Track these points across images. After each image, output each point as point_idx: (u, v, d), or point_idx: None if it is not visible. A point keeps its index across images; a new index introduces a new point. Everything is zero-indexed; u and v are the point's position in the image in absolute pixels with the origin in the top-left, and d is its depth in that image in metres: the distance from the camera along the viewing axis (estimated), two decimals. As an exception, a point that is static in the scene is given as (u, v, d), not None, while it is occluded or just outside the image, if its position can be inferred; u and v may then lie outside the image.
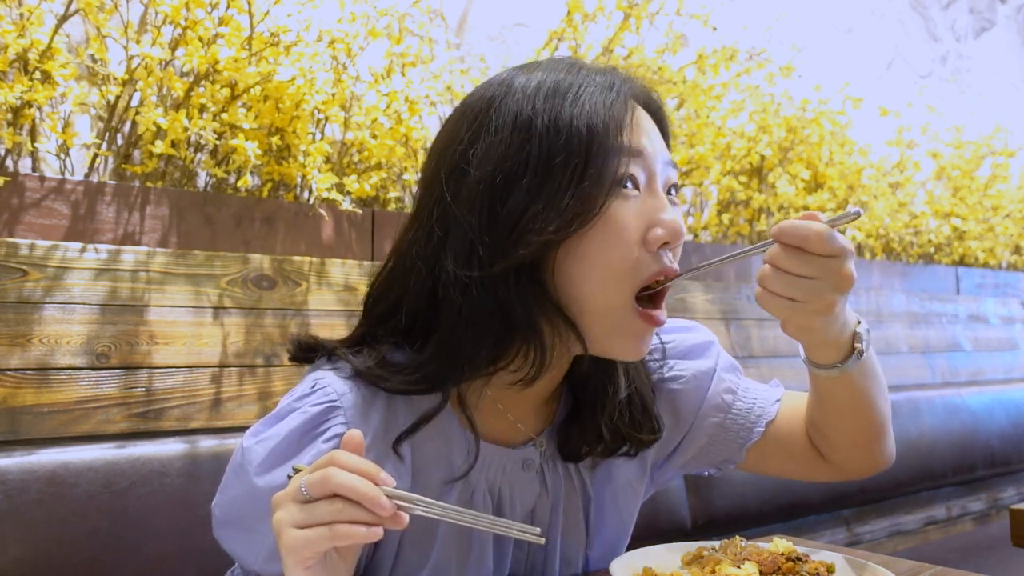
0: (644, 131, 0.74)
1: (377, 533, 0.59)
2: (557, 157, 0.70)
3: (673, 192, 0.76)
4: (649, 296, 0.74)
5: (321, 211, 1.48)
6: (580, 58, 0.80)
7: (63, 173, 1.36)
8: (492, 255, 0.70)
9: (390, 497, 0.60)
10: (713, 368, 0.94)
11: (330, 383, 0.75)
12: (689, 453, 0.95)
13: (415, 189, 1.66)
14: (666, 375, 0.92)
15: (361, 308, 0.82)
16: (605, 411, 0.82)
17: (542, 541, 0.64)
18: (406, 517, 0.60)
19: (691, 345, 0.94)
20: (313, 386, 0.75)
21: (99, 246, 1.23)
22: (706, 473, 1.00)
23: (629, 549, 0.90)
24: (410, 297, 0.75)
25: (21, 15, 1.24)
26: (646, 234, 0.72)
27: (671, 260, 0.74)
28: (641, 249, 0.72)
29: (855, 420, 0.87)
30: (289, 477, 0.66)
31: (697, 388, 0.93)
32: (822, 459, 0.93)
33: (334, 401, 0.73)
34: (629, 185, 0.72)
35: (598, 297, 0.72)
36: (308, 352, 0.81)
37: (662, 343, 0.93)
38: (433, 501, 0.62)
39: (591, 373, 0.83)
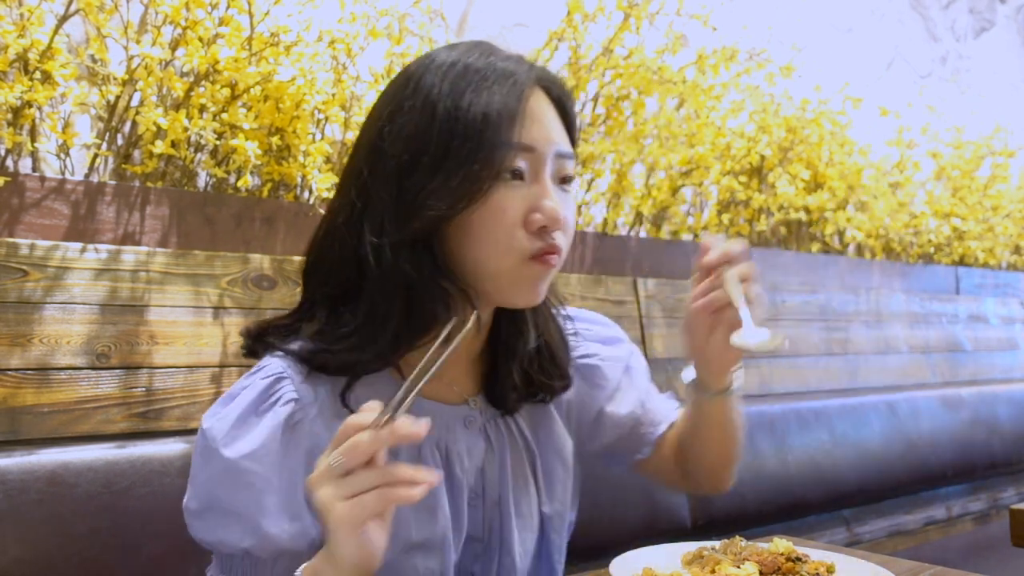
0: (538, 123, 0.79)
1: (419, 490, 0.64)
2: (454, 141, 0.76)
3: (567, 183, 0.83)
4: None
5: (321, 211, 1.48)
6: (493, 44, 0.84)
7: (63, 173, 1.36)
8: (397, 227, 0.78)
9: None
10: (627, 357, 1.04)
11: (274, 361, 0.81)
12: (613, 434, 1.02)
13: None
14: (579, 354, 0.99)
15: None
16: (516, 358, 0.89)
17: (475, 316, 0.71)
18: (412, 426, 0.65)
19: (605, 336, 1.04)
20: (259, 367, 0.81)
21: (99, 246, 1.23)
22: (622, 469, 1.07)
23: (628, 549, 0.90)
24: (338, 264, 0.81)
25: (21, 15, 1.24)
26: (527, 217, 0.79)
27: (554, 239, 0.80)
28: (522, 230, 0.79)
29: (722, 444, 0.98)
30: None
31: (612, 368, 1.01)
32: (684, 473, 1.04)
33: (280, 373, 0.79)
34: (514, 175, 0.78)
35: (487, 264, 0.80)
36: (258, 339, 0.85)
37: (576, 331, 1.00)
38: (397, 403, 0.66)
39: (504, 326, 0.89)
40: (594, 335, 1.02)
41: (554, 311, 0.95)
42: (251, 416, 0.77)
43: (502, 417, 0.91)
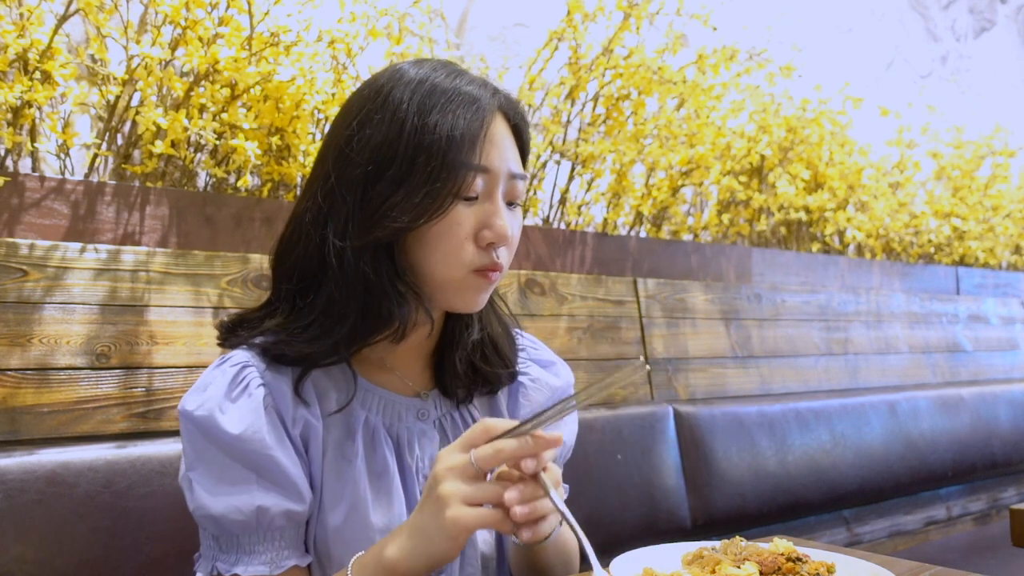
0: (496, 146, 0.85)
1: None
2: (419, 158, 0.81)
3: (516, 203, 0.88)
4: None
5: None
6: (458, 65, 0.91)
7: (63, 173, 1.36)
8: (360, 233, 0.83)
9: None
10: (566, 386, 1.06)
11: (238, 352, 0.86)
12: None
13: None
14: (520, 369, 1.03)
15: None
16: (459, 348, 0.93)
17: (647, 368, 0.72)
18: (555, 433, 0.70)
19: (546, 360, 1.07)
20: (224, 358, 0.86)
21: (99, 246, 1.23)
22: None
23: (628, 549, 0.90)
24: (302, 261, 0.86)
25: (21, 15, 1.24)
26: (477, 233, 0.84)
27: (498, 257, 0.86)
28: (472, 245, 0.84)
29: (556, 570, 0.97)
30: None
31: (538, 392, 1.03)
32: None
33: (245, 362, 0.85)
34: (472, 195, 0.84)
35: (436, 273, 0.85)
36: (231, 331, 0.89)
37: (523, 347, 1.04)
38: (535, 418, 0.70)
39: (450, 321, 0.95)
40: (535, 354, 1.06)
41: (498, 310, 1.00)
42: (226, 402, 0.82)
43: (458, 410, 0.96)
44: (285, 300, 0.88)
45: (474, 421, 0.96)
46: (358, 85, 0.89)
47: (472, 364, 0.95)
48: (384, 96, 0.84)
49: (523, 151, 0.91)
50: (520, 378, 1.03)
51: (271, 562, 0.81)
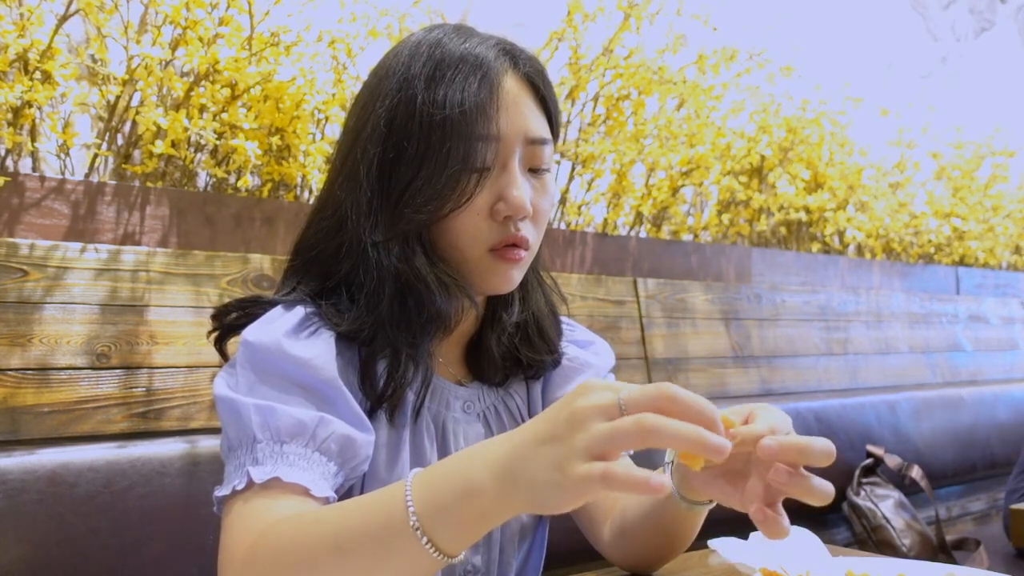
0: (509, 111, 0.79)
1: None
2: (433, 137, 0.77)
3: (541, 169, 0.82)
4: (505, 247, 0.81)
5: (321, 211, 1.48)
6: (472, 27, 0.86)
7: (63, 173, 1.36)
8: (386, 225, 0.78)
9: None
10: (606, 364, 1.00)
11: (296, 306, 0.79)
12: None
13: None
14: (562, 351, 0.96)
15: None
16: (497, 329, 0.88)
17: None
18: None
19: (584, 340, 1.01)
20: (288, 307, 0.79)
21: (99, 246, 1.23)
22: None
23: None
24: (334, 253, 0.81)
25: (21, 15, 1.24)
26: (492, 207, 0.79)
27: (518, 229, 0.80)
28: (489, 220, 0.79)
29: (676, 545, 0.88)
30: None
31: (590, 367, 0.98)
32: (613, 544, 0.93)
33: (312, 312, 0.78)
34: (485, 166, 0.78)
35: (454, 254, 0.80)
36: (241, 310, 0.82)
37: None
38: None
39: (491, 301, 0.89)
40: (571, 336, 1.00)
41: (546, 288, 0.94)
42: (293, 337, 0.75)
43: (503, 402, 0.90)
44: (302, 293, 0.82)
45: (518, 411, 0.91)
46: (358, 85, 0.88)
47: (513, 347, 0.89)
48: (400, 70, 0.80)
49: (547, 111, 0.84)
50: (567, 360, 0.96)
51: (312, 483, 0.70)
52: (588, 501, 0.53)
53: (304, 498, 0.69)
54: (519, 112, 0.80)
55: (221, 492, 0.72)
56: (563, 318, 0.99)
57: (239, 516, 0.69)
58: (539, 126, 0.82)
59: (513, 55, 0.82)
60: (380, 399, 0.79)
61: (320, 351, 0.75)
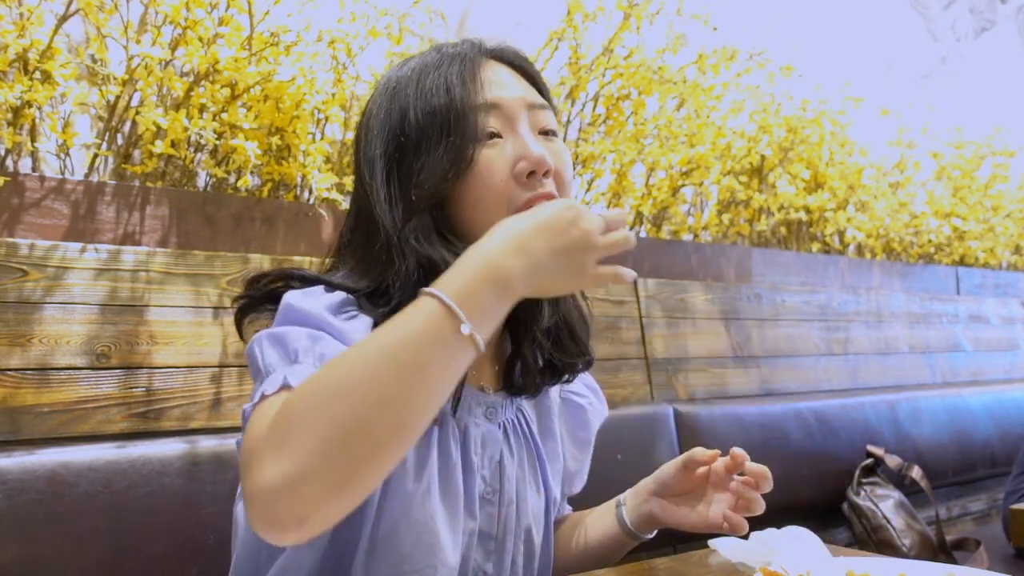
0: (498, 84, 0.84)
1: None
2: (426, 122, 0.82)
3: (551, 132, 0.86)
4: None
5: (321, 211, 1.48)
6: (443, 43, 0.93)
7: (63, 173, 1.36)
8: (403, 211, 0.82)
9: None
10: (599, 413, 1.07)
11: (331, 289, 0.81)
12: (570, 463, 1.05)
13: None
14: (571, 392, 1.03)
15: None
16: (528, 335, 0.89)
17: None
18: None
19: (593, 384, 1.08)
20: (330, 289, 0.81)
21: (99, 246, 1.23)
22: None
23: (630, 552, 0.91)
24: (365, 261, 0.84)
25: (21, 15, 1.24)
26: (514, 169, 0.82)
27: (545, 186, 0.82)
28: (511, 183, 0.81)
29: (601, 562, 1.02)
30: None
31: (597, 414, 1.06)
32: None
33: (348, 297, 0.80)
34: (491, 136, 0.82)
35: (482, 230, 0.77)
36: (281, 280, 0.83)
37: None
38: None
39: (519, 307, 0.87)
40: (583, 378, 1.04)
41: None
42: (331, 315, 0.76)
43: (517, 418, 0.92)
44: (349, 282, 0.84)
45: (529, 429, 0.94)
46: (358, 85, 0.91)
47: (548, 355, 0.91)
48: (390, 87, 0.87)
49: (536, 86, 0.89)
50: (579, 399, 1.03)
51: None
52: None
53: None
54: (509, 83, 0.85)
55: (247, 405, 0.69)
56: None
57: (262, 409, 0.66)
58: (533, 94, 0.87)
59: (490, 46, 0.88)
60: None
61: (359, 328, 0.76)
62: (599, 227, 0.71)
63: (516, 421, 0.92)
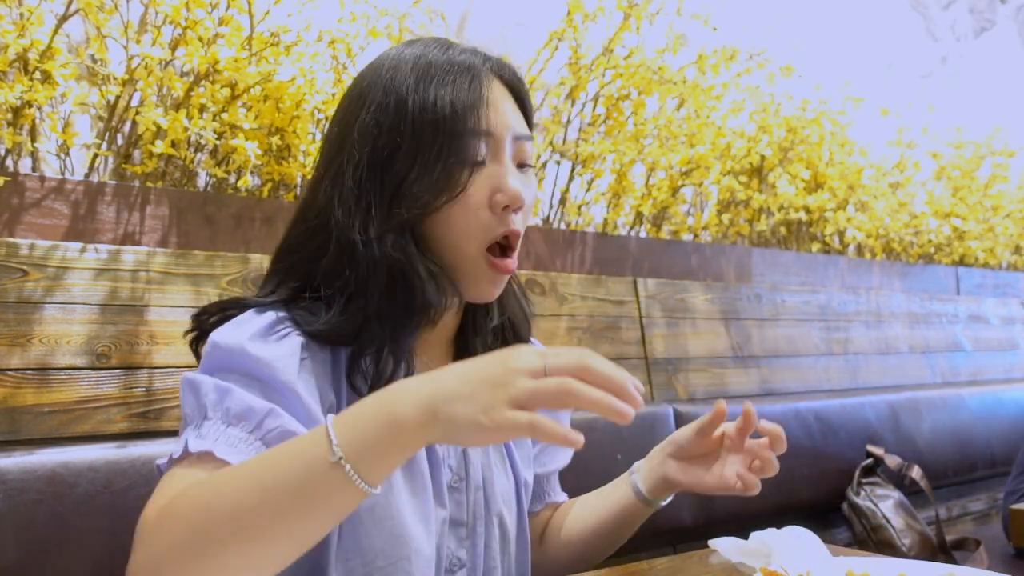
0: (497, 109, 0.84)
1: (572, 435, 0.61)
2: (426, 133, 0.81)
3: (527, 165, 0.87)
4: (500, 247, 0.86)
5: (321, 211, 1.47)
6: (449, 39, 0.91)
7: (63, 173, 1.36)
8: (381, 218, 0.81)
9: None
10: None
11: (266, 311, 0.81)
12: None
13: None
14: None
15: None
16: (479, 334, 0.93)
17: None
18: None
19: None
20: (251, 312, 0.81)
21: (99, 246, 1.23)
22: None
23: (628, 549, 0.91)
24: (317, 257, 0.83)
25: (21, 15, 1.24)
26: (491, 199, 0.83)
27: (514, 222, 0.84)
28: (487, 212, 0.83)
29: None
30: None
31: None
32: (541, 548, 1.07)
33: (283, 316, 0.81)
34: (478, 161, 0.83)
35: (454, 252, 0.84)
36: (220, 312, 0.84)
37: None
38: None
39: (472, 306, 0.93)
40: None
41: (516, 291, 0.99)
42: (259, 340, 0.78)
43: None
44: (285, 289, 0.86)
45: None
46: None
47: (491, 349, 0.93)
48: (383, 80, 0.84)
49: (525, 113, 0.90)
50: None
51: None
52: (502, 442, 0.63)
53: None
54: (504, 111, 0.85)
55: (161, 462, 0.76)
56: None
57: (166, 481, 0.72)
58: (522, 124, 0.88)
59: (494, 62, 0.88)
60: (367, 394, 0.81)
61: (282, 353, 0.77)
62: (531, 368, 0.62)
63: None
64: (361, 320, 0.81)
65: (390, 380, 0.81)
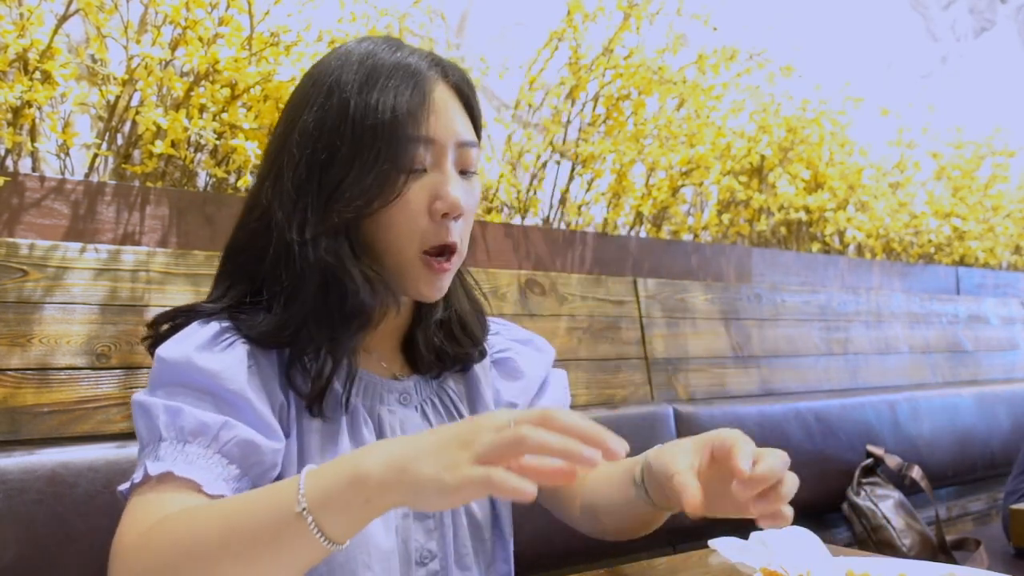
0: (440, 115, 0.83)
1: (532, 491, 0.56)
2: (365, 137, 0.80)
3: (469, 172, 0.87)
4: (438, 251, 0.85)
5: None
6: (400, 40, 0.91)
7: (63, 173, 1.36)
8: (316, 220, 0.81)
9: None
10: (546, 364, 1.05)
11: (210, 321, 0.82)
12: None
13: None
14: (496, 350, 1.02)
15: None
16: (421, 325, 0.93)
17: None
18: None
19: (521, 336, 1.07)
20: (205, 322, 0.82)
21: (99, 246, 1.23)
22: None
23: (628, 549, 0.91)
24: (258, 258, 0.84)
25: (21, 15, 1.24)
26: (430, 206, 0.83)
27: (451, 232, 0.84)
28: (426, 218, 0.83)
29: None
30: None
31: (526, 362, 1.03)
32: (588, 520, 1.00)
33: (227, 325, 0.82)
34: (419, 167, 0.82)
35: (391, 254, 0.84)
36: (170, 320, 0.85)
37: (497, 331, 1.04)
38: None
39: (416, 301, 0.93)
40: (511, 335, 1.06)
41: (468, 286, 0.99)
42: (205, 351, 0.79)
43: (438, 396, 0.94)
44: (236, 291, 0.86)
45: (453, 404, 0.95)
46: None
47: (440, 343, 0.93)
48: (328, 81, 0.83)
49: (473, 117, 0.89)
50: (505, 354, 1.02)
51: (206, 480, 0.73)
52: (466, 503, 0.62)
53: (197, 494, 0.73)
54: (449, 117, 0.84)
55: (123, 487, 0.77)
56: (499, 320, 1.07)
57: (132, 508, 0.73)
58: (468, 130, 0.87)
59: (442, 65, 0.87)
60: (309, 396, 0.83)
61: (229, 363, 0.78)
62: (497, 424, 0.60)
63: (437, 400, 0.94)
64: (299, 322, 0.82)
65: (330, 379, 0.82)
